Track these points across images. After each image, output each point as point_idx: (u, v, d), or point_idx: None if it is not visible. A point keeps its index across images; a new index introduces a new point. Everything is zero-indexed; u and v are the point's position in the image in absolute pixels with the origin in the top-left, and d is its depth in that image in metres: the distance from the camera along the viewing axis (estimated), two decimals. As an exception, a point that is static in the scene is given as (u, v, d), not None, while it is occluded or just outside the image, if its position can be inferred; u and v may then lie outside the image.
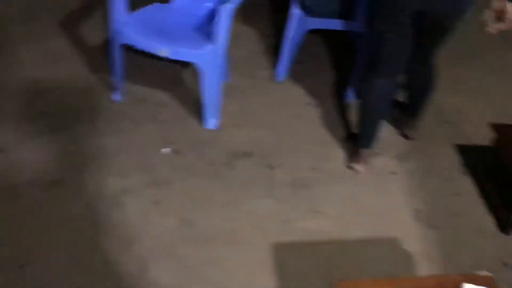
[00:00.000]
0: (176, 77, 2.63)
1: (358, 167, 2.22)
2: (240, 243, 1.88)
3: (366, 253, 1.92)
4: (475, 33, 2.29)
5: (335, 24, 2.53)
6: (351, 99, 2.61)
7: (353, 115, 2.54)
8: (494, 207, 2.12)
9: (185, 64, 2.56)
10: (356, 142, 2.27)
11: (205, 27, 2.30)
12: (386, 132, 2.46)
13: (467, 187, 2.23)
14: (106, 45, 2.57)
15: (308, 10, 2.53)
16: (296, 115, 2.52)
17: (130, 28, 2.16)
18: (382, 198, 2.15)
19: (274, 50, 2.90)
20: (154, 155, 2.20)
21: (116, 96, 2.43)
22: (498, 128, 2.12)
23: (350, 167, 2.24)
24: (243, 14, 3.15)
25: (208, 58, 2.13)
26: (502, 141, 2.11)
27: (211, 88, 2.23)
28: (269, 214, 2.01)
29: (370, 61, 2.10)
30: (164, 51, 2.10)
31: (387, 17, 1.94)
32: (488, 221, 2.10)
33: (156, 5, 2.42)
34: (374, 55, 2.06)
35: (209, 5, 2.39)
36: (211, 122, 2.34)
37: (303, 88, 2.70)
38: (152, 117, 2.38)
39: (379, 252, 1.93)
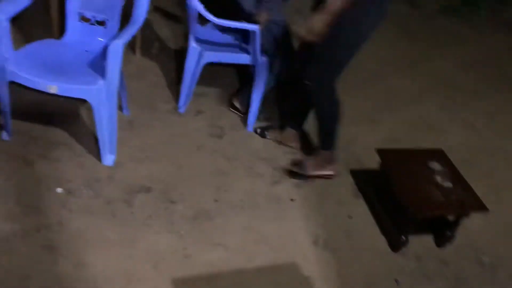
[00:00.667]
0: (71, 113, 2.54)
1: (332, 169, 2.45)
2: (139, 282, 1.83)
3: (266, 281, 1.95)
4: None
5: (230, 57, 2.60)
6: (250, 128, 2.68)
7: (255, 143, 2.62)
8: (385, 228, 2.25)
9: (81, 99, 2.49)
10: (325, 146, 2.42)
11: (98, 63, 2.26)
12: (284, 160, 2.55)
13: (361, 210, 2.35)
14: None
15: (202, 44, 2.58)
16: (197, 146, 2.53)
17: (16, 64, 2.06)
18: (282, 225, 2.20)
19: (177, 84, 2.93)
20: (46, 196, 2.09)
21: (4, 136, 2.30)
22: (382, 153, 2.28)
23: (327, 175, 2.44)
24: (146, 49, 3.15)
25: (99, 94, 2.08)
26: (386, 165, 2.27)
27: (105, 124, 2.18)
28: (169, 250, 1.98)
29: (328, 70, 2.21)
30: (52, 88, 2.03)
31: (353, 46, 2.14)
32: (381, 241, 2.22)
33: (47, 40, 2.35)
34: (334, 66, 2.20)
35: (101, 40, 2.36)
36: (108, 159, 2.28)
37: (204, 119, 2.73)
38: (44, 156, 2.27)
39: (279, 279, 1.97)
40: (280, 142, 2.64)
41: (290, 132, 2.63)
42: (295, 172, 2.44)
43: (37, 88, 2.05)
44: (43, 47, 2.28)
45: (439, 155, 2.36)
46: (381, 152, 2.28)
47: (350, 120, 2.88)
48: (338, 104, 2.29)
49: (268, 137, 2.66)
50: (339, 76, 2.23)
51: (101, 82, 2.08)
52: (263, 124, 2.73)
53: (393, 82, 3.46)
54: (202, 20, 2.51)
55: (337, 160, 2.48)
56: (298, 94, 2.53)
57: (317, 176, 2.44)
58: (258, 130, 2.68)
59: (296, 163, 2.47)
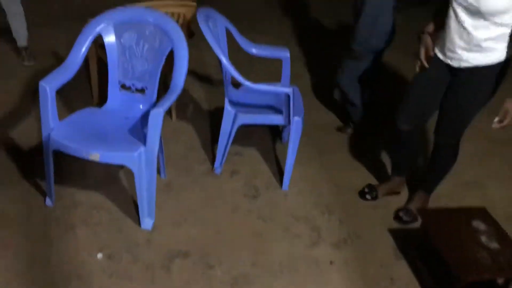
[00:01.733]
0: (111, 177, 2.61)
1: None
2: None
3: None
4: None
5: (263, 119, 2.65)
6: (286, 186, 2.69)
7: (290, 202, 2.60)
8: (429, 290, 2.16)
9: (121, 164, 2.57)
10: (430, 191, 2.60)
11: (138, 129, 2.34)
12: (322, 219, 2.52)
13: (403, 272, 2.27)
14: (39, 149, 2.54)
15: (236, 107, 2.65)
16: (233, 208, 2.53)
17: (60, 134, 2.16)
18: (322, 289, 2.15)
19: (211, 144, 2.98)
20: (88, 262, 2.12)
21: (49, 202, 2.37)
22: (423, 212, 2.23)
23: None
24: (181, 111, 3.25)
25: (139, 161, 2.14)
26: (428, 226, 2.21)
27: (144, 189, 2.23)
28: (208, 317, 1.95)
29: (458, 130, 2.34)
30: (94, 156, 2.10)
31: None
32: (426, 304, 2.13)
33: (89, 109, 2.46)
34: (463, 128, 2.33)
35: (141, 107, 2.45)
36: (147, 223, 2.31)
37: (239, 179, 2.74)
38: (85, 220, 2.32)
39: None
40: (388, 193, 2.71)
41: (398, 180, 2.70)
42: (405, 220, 2.53)
43: (79, 156, 2.13)
44: (86, 116, 2.38)
45: (482, 213, 2.28)
46: (421, 211, 2.23)
47: (386, 175, 2.86)
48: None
49: (379, 196, 2.70)
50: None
51: (141, 148, 2.15)
52: (368, 190, 2.72)
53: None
54: (236, 82, 2.58)
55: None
56: (413, 142, 2.58)
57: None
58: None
59: (402, 211, 2.56)
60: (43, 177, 2.37)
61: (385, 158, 3.03)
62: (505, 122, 2.06)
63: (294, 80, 3.00)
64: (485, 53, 2.10)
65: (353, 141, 3.20)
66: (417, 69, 2.32)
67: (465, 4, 2.04)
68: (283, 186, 2.69)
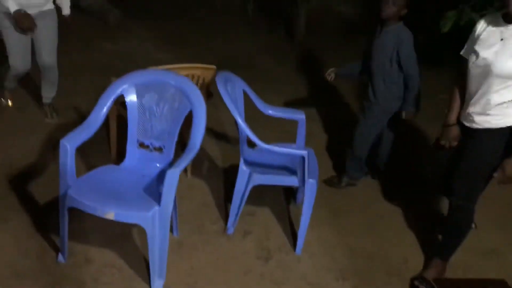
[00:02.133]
0: (124, 234, 2.61)
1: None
2: None
3: None
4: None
5: (278, 180, 2.66)
6: (299, 250, 2.65)
7: (303, 267, 2.56)
8: None
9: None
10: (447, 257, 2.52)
11: (153, 187, 2.36)
12: (335, 286, 2.46)
13: None
14: (55, 204, 2.57)
15: (251, 166, 2.67)
16: (245, 271, 2.49)
17: (77, 191, 2.19)
18: None
19: (225, 202, 2.98)
20: (95, 323, 2.08)
21: (61, 258, 2.37)
22: (441, 283, 2.17)
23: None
24: (196, 167, 3.28)
25: (153, 220, 2.15)
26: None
27: (156, 248, 2.21)
28: None
29: (470, 191, 2.36)
30: (109, 214, 2.12)
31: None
32: None
33: (107, 167, 2.50)
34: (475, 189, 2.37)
35: (158, 165, 2.49)
36: (158, 284, 2.28)
37: (252, 240, 2.72)
38: (96, 279, 2.30)
39: None
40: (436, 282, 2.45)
41: (440, 264, 2.52)
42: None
43: (95, 214, 2.14)
44: (103, 173, 2.42)
45: (502, 285, 2.21)
46: (438, 282, 2.17)
47: (400, 240, 2.81)
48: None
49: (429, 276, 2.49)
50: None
51: (156, 208, 2.16)
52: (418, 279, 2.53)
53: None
54: (252, 142, 2.62)
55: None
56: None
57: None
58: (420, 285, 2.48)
59: (417, 280, 2.48)
60: (57, 232, 2.38)
61: (400, 223, 2.99)
62: (504, 180, 2.15)
63: (308, 138, 3.03)
64: (496, 116, 2.17)
65: (369, 203, 3.18)
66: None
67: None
68: (296, 249, 2.65)
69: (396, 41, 2.86)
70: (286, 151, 2.58)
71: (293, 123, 2.95)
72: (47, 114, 3.71)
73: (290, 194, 3.15)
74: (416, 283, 2.46)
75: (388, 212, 3.09)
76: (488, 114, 2.18)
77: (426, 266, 2.58)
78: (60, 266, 2.36)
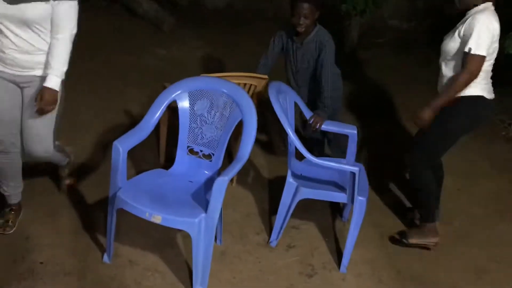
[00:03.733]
0: (168, 240, 2.61)
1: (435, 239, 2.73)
2: None
3: None
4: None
5: (325, 195, 2.60)
6: (344, 268, 2.56)
7: (347, 285, 2.48)
8: None
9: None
10: (425, 220, 2.77)
11: (201, 194, 2.35)
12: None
13: None
14: (102, 203, 2.62)
15: (298, 180, 2.62)
16: (288, 285, 2.44)
17: (126, 193, 2.21)
18: None
19: (269, 214, 2.94)
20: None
21: (106, 258, 2.40)
22: None
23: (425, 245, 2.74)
24: (241, 177, 3.26)
25: (199, 227, 2.14)
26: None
27: (200, 255, 2.20)
28: None
29: (424, 157, 2.68)
30: (156, 218, 2.12)
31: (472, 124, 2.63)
32: None
33: (156, 170, 2.52)
34: (432, 153, 2.70)
35: (206, 172, 2.48)
36: (198, 292, 2.26)
37: (295, 255, 2.66)
38: (139, 282, 2.31)
39: None
40: (423, 245, 2.75)
41: (430, 227, 2.75)
42: (396, 239, 2.78)
43: (142, 217, 2.15)
44: (152, 177, 2.44)
45: None
46: None
47: (451, 265, 2.67)
48: (433, 181, 2.75)
49: (410, 241, 2.74)
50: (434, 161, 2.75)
51: (202, 215, 2.15)
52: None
53: (502, 229, 3.16)
54: (300, 154, 2.57)
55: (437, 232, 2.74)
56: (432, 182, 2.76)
57: (418, 245, 2.75)
58: (396, 239, 2.80)
59: (401, 232, 2.81)
60: (103, 232, 2.41)
61: (452, 247, 2.85)
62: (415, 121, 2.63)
63: (359, 153, 2.95)
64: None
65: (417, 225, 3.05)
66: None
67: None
68: (341, 267, 2.57)
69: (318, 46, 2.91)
70: (336, 166, 2.52)
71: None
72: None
73: (337, 209, 3.07)
74: (397, 236, 2.79)
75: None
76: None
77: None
78: (105, 266, 2.38)
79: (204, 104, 2.49)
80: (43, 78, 2.25)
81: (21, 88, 2.30)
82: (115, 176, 2.24)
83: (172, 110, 2.72)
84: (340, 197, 2.56)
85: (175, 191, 2.36)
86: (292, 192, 2.62)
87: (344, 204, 2.96)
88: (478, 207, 3.28)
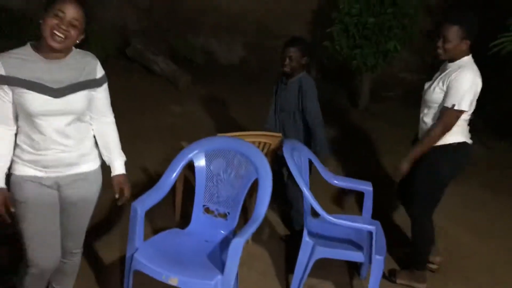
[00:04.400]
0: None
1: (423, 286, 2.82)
2: None
3: None
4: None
5: (342, 255, 2.58)
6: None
7: None
8: None
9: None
10: (417, 266, 2.84)
11: (216, 254, 2.35)
12: None
13: None
14: (117, 264, 2.62)
15: (315, 238, 2.60)
16: None
17: (143, 255, 2.22)
18: None
19: (286, 273, 2.90)
20: None
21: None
22: None
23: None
24: (257, 234, 3.24)
25: (216, 289, 2.12)
26: None
27: (217, 319, 2.17)
28: None
29: (425, 207, 2.75)
30: (173, 280, 2.11)
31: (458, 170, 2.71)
32: None
33: (172, 230, 2.53)
34: (431, 202, 2.75)
35: (222, 232, 2.49)
36: None
37: (314, 317, 2.60)
38: None
39: None
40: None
41: (420, 273, 2.83)
42: (385, 276, 2.81)
43: (159, 279, 2.15)
44: (168, 237, 2.45)
45: None
46: None
47: None
48: (434, 231, 2.82)
49: (398, 281, 2.85)
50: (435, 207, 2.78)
51: (219, 277, 2.13)
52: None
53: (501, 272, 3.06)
54: (316, 211, 2.57)
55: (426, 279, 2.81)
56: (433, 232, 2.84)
57: (406, 285, 2.84)
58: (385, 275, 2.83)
59: (391, 270, 2.90)
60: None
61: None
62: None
63: (375, 210, 2.93)
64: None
65: (440, 278, 2.98)
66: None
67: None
68: (360, 330, 2.51)
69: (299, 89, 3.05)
70: (352, 225, 2.51)
71: (358, 195, 2.89)
72: None
73: (354, 267, 3.02)
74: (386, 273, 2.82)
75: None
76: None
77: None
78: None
79: (220, 163, 2.53)
80: (86, 173, 2.07)
81: (60, 190, 2.04)
82: (133, 237, 2.26)
83: (188, 168, 2.76)
84: (357, 256, 2.53)
85: (191, 251, 2.36)
86: (308, 251, 2.60)
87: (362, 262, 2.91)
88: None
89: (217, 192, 2.54)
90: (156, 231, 2.50)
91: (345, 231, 2.70)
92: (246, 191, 2.48)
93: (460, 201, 3.87)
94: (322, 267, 2.87)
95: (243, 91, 6.31)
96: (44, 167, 1.96)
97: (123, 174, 2.18)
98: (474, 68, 2.59)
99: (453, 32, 2.54)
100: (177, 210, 3.25)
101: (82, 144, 2.04)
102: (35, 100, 1.86)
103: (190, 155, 2.52)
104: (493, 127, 5.29)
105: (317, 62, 6.92)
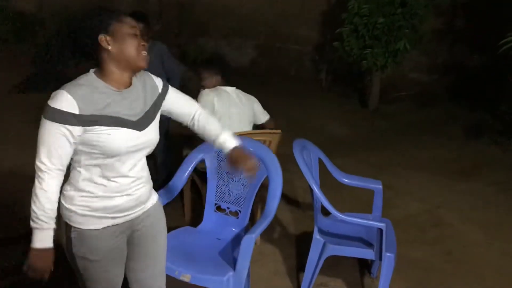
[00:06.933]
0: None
1: None
2: None
3: None
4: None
5: (353, 252, 2.59)
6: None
7: None
8: None
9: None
10: None
11: (228, 252, 2.38)
12: None
13: None
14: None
15: (325, 236, 2.62)
16: None
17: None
18: None
19: (297, 271, 2.92)
20: None
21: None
22: None
23: None
24: (268, 233, 3.27)
25: (227, 285, 2.15)
26: None
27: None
28: None
29: None
30: (185, 277, 2.15)
31: None
32: None
33: (185, 228, 2.57)
34: None
35: (233, 229, 2.52)
36: None
37: (325, 314, 2.62)
38: None
39: None
40: None
41: None
42: None
43: (172, 275, 2.18)
44: (181, 235, 2.48)
45: None
46: None
47: None
48: None
49: None
50: None
51: (230, 273, 2.17)
52: None
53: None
54: (326, 210, 2.59)
55: None
56: None
57: None
58: None
59: None
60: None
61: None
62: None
63: (385, 210, 2.94)
64: None
65: (450, 278, 2.98)
66: None
67: None
68: (371, 326, 2.52)
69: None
70: (362, 223, 2.52)
71: (369, 193, 2.90)
72: None
73: (365, 265, 3.03)
74: None
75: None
76: None
77: None
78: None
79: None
80: (153, 207, 1.82)
81: (131, 233, 1.77)
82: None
83: (195, 170, 2.80)
84: (367, 253, 2.55)
85: (203, 248, 2.40)
86: (319, 249, 2.62)
87: (372, 259, 2.92)
88: None
89: (229, 190, 2.58)
90: (167, 230, 2.54)
91: (356, 229, 2.72)
92: (257, 189, 2.51)
93: (472, 200, 3.87)
94: (332, 266, 2.90)
95: (253, 93, 6.34)
96: (121, 212, 1.67)
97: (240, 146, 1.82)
98: None
99: None
100: (186, 210, 3.29)
101: (148, 174, 1.79)
102: (119, 138, 1.57)
103: (201, 155, 2.55)
104: (507, 127, 5.27)
105: (327, 63, 6.94)
